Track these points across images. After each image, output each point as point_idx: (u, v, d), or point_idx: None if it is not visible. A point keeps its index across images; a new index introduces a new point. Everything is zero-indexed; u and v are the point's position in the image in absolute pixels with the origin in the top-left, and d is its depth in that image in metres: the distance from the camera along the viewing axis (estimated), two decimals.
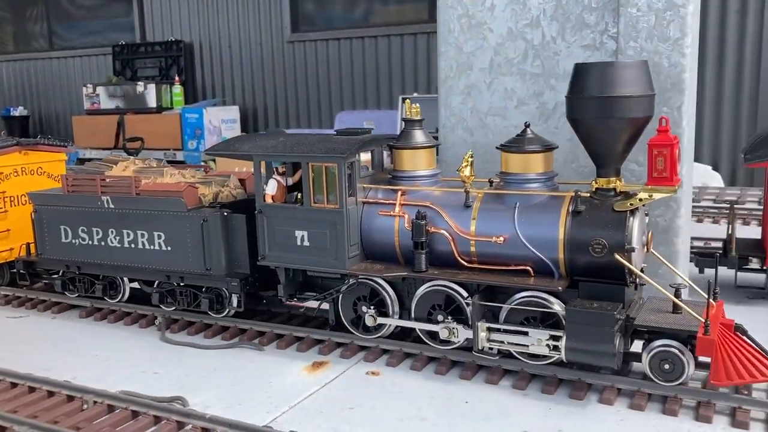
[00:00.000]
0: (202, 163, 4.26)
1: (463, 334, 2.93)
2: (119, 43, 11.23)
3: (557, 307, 2.79)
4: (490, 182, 3.14)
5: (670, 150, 2.65)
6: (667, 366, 2.64)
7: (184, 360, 3.23)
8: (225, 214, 3.40)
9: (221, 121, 9.39)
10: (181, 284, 3.59)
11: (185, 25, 10.89)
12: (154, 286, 3.71)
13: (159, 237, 3.55)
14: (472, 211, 2.94)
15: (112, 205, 3.65)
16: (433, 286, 3.01)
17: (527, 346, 2.79)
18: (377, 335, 3.17)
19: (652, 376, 2.67)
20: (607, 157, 2.78)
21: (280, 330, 3.41)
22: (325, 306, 3.30)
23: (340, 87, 9.68)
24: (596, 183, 2.83)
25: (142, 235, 3.60)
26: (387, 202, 3.11)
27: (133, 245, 3.63)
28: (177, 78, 10.42)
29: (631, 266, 2.68)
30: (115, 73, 11.10)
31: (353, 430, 2.56)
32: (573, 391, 2.74)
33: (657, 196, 2.69)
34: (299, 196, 3.21)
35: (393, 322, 3.12)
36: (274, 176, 3.26)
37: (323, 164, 3.05)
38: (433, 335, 3.04)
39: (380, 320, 3.11)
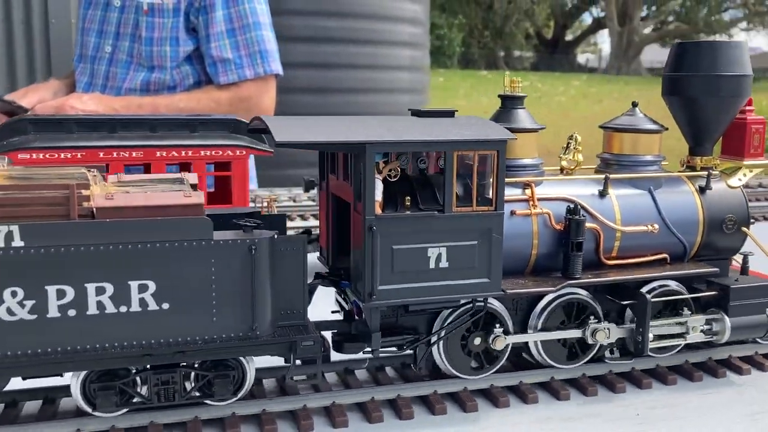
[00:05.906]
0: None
1: (615, 333, 2.56)
2: None
3: (681, 290, 2.69)
4: (561, 170, 2.77)
5: (765, 127, 2.83)
6: None
7: None
8: (275, 237, 2.16)
9: None
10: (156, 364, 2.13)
11: None
12: (81, 377, 2.10)
13: (143, 290, 2.02)
14: (611, 200, 2.58)
15: (21, 243, 1.91)
16: (563, 296, 2.53)
17: (684, 337, 2.62)
18: (491, 371, 2.49)
19: None
20: (710, 134, 2.79)
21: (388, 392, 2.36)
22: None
23: None
24: (700, 161, 2.80)
25: (100, 291, 1.99)
26: (517, 198, 2.46)
27: (73, 312, 1.98)
28: None
29: (755, 237, 2.78)
30: None
31: None
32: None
33: (756, 170, 2.84)
34: (408, 201, 2.26)
35: (532, 338, 2.50)
36: (377, 176, 2.21)
37: (476, 152, 2.23)
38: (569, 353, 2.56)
39: (510, 339, 2.45)
